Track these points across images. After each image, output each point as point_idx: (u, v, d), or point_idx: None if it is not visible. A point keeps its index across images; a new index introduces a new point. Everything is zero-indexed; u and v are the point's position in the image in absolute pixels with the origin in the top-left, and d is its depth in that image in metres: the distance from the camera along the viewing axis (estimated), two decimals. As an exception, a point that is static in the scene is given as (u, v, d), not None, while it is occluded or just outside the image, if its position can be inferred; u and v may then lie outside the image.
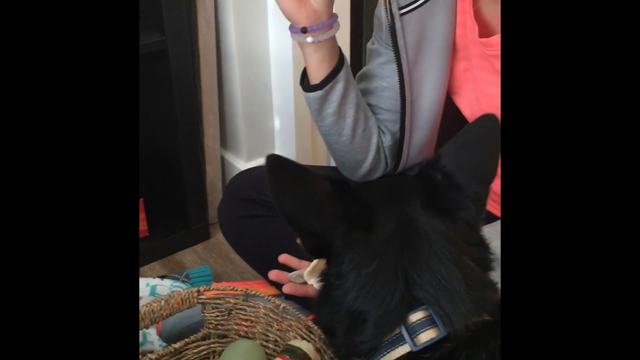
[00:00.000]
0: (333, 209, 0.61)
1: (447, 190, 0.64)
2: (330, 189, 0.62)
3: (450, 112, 1.15)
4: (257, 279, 1.33)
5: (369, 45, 1.12)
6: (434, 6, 0.99)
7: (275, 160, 0.59)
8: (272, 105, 1.59)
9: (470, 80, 1.06)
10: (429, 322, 0.59)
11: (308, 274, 0.93)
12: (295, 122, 1.55)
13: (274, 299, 1.03)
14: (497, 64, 0.95)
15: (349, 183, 0.65)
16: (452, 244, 0.61)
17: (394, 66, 1.04)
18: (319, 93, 1.02)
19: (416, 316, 0.59)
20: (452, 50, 1.04)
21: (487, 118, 0.66)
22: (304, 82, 1.05)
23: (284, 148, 1.62)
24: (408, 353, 0.58)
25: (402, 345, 0.59)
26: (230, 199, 1.20)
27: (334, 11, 0.97)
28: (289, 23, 0.98)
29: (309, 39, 0.95)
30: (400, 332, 0.59)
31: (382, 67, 1.08)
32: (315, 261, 0.92)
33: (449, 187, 0.64)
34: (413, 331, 0.59)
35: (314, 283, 0.91)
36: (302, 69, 1.05)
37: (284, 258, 0.97)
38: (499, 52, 0.93)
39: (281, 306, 1.02)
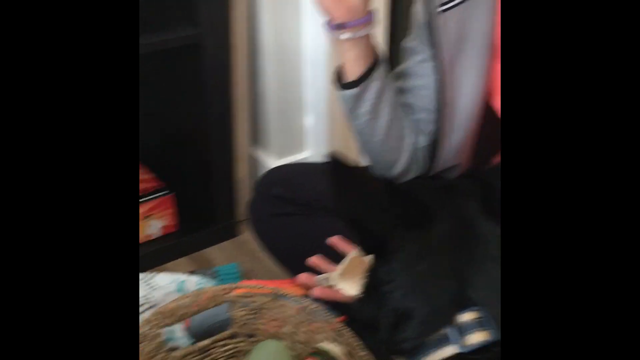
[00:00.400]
0: (392, 210, 0.61)
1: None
2: (387, 189, 0.62)
3: (488, 115, 1.12)
4: (286, 278, 1.31)
5: (405, 43, 1.09)
6: (475, 4, 0.96)
7: (336, 160, 0.58)
8: (304, 101, 1.56)
9: None
10: (480, 324, 0.57)
11: (338, 277, 0.91)
12: (328, 119, 1.53)
13: (303, 299, 1.01)
14: None
15: (402, 184, 0.65)
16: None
17: (431, 64, 1.01)
18: (354, 91, 1.00)
19: (467, 316, 0.57)
20: (492, 50, 1.01)
21: None
22: (339, 79, 1.03)
23: (316, 146, 1.60)
24: (455, 355, 0.57)
25: (448, 345, 0.57)
26: (261, 196, 1.18)
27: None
28: (323, 18, 0.95)
29: (345, 35, 0.93)
30: (447, 331, 0.57)
31: (419, 66, 1.05)
32: (344, 263, 0.91)
33: None
34: (462, 331, 0.57)
35: (344, 287, 0.89)
36: (335, 64, 1.02)
37: (313, 261, 0.95)
38: None
39: (310, 307, 1.00)
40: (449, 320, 0.57)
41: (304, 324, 1.00)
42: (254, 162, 1.65)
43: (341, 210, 0.60)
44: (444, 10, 0.96)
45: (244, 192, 1.60)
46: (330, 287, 0.93)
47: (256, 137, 1.65)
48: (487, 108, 1.09)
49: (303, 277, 0.94)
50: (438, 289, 0.58)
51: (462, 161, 1.19)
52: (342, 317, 1.03)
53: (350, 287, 0.88)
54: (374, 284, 0.64)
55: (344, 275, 0.90)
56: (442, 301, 0.58)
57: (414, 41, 1.05)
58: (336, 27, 0.93)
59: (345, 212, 0.61)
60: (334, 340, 0.97)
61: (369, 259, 0.87)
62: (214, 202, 1.53)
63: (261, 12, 1.44)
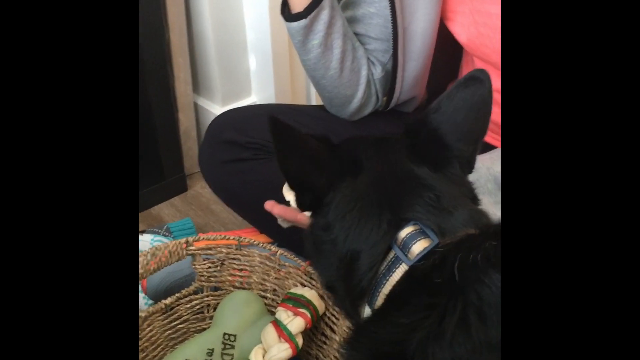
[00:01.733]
0: (332, 165, 0.62)
1: (433, 148, 0.64)
2: (326, 146, 0.63)
3: (443, 41, 1.08)
4: (245, 227, 1.25)
5: None
6: None
7: (278, 123, 0.58)
8: (247, 44, 1.48)
9: (466, 2, 0.98)
10: (420, 234, 0.57)
11: (286, 189, 0.87)
12: (273, 61, 1.45)
13: (269, 245, 0.96)
14: None
15: (333, 140, 0.66)
16: (439, 181, 0.61)
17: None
18: (302, 22, 0.94)
19: (405, 231, 0.57)
20: None
21: (479, 73, 0.63)
22: (285, 11, 0.96)
23: (262, 90, 1.53)
24: (408, 271, 0.56)
25: (399, 266, 0.57)
26: (212, 143, 1.10)
27: None
28: None
29: None
30: (395, 254, 0.57)
31: None
32: None
33: (435, 145, 0.64)
34: (405, 246, 0.57)
35: (292, 200, 0.85)
36: (276, 2, 0.96)
37: (270, 205, 0.90)
38: None
39: (278, 253, 0.95)
40: (391, 241, 0.57)
41: (273, 271, 0.95)
42: (198, 112, 1.55)
43: (285, 171, 0.61)
44: None
45: (189, 145, 1.52)
46: (290, 227, 0.89)
47: (198, 85, 1.55)
48: (442, 34, 1.05)
49: (270, 203, 0.89)
50: (373, 222, 0.58)
51: (419, 93, 1.15)
52: (309, 262, 0.99)
53: None
54: (315, 241, 0.63)
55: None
56: (381, 230, 0.58)
57: None
58: None
59: (289, 171, 0.61)
60: (306, 284, 0.93)
61: None
62: (159, 157, 1.45)
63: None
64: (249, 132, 1.09)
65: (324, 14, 0.94)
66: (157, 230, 1.28)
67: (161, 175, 1.47)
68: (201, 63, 1.50)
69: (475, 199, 0.64)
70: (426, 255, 0.55)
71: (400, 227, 0.57)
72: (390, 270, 0.57)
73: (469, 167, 0.66)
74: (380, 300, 0.57)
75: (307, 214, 0.84)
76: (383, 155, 0.63)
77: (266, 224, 1.11)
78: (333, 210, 0.60)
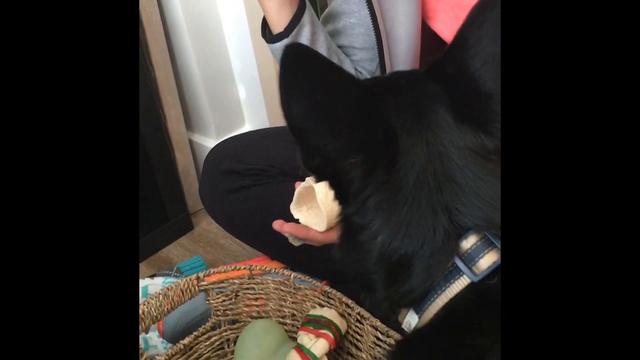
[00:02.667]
0: (354, 130, 0.50)
1: (477, 100, 0.54)
2: (357, 98, 0.50)
3: (428, 41, 1.06)
4: (256, 256, 1.23)
5: None
6: None
7: (295, 52, 0.46)
8: (234, 73, 1.47)
9: None
10: (486, 245, 0.50)
11: (294, 207, 0.85)
12: (262, 87, 1.44)
13: (282, 270, 0.93)
14: None
15: (374, 92, 0.53)
16: (494, 163, 0.52)
17: None
18: (284, 42, 0.92)
19: (469, 242, 0.50)
20: None
21: None
22: (266, 33, 0.95)
23: (254, 118, 1.51)
24: (469, 285, 0.49)
25: (459, 278, 0.50)
26: (211, 175, 1.09)
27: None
28: None
29: None
30: (454, 263, 0.50)
31: (347, 3, 0.98)
32: (298, 190, 0.84)
33: (478, 95, 0.54)
34: (470, 259, 0.50)
35: (307, 221, 0.82)
36: (258, 25, 0.95)
37: (279, 225, 0.87)
38: None
39: (292, 277, 0.92)
40: (453, 252, 0.50)
41: (289, 296, 0.92)
42: (194, 148, 1.54)
43: (286, 116, 0.49)
44: None
45: (189, 182, 1.50)
46: (301, 245, 0.87)
47: (190, 121, 1.54)
48: (425, 34, 1.04)
49: (278, 223, 0.86)
50: (428, 227, 0.50)
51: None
52: (325, 281, 0.96)
53: (314, 220, 0.82)
54: (348, 230, 0.55)
55: (299, 202, 0.84)
56: (438, 237, 0.50)
57: None
58: None
59: (291, 118, 0.49)
60: (324, 304, 0.90)
61: (320, 185, 0.80)
62: (160, 198, 1.42)
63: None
64: (246, 159, 1.07)
65: (305, 31, 0.93)
66: (167, 272, 1.25)
67: (165, 217, 1.45)
68: (190, 98, 1.49)
69: None
70: (496, 270, 0.49)
71: (461, 235, 0.51)
72: (447, 280, 0.50)
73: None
74: (431, 310, 0.51)
75: (319, 227, 0.81)
76: (426, 128, 0.52)
77: (276, 249, 1.08)
78: (371, 203, 0.52)
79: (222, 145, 1.12)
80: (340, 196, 0.55)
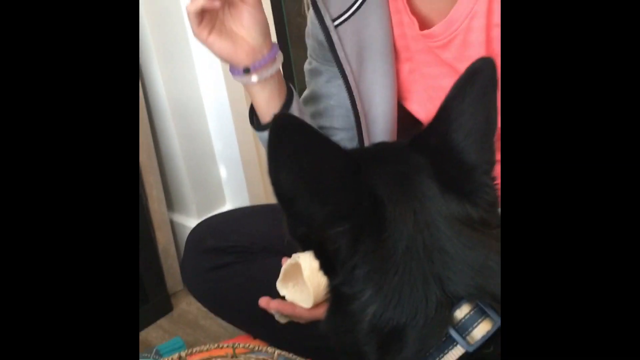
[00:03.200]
0: (340, 199, 0.51)
1: (461, 170, 0.56)
2: (343, 167, 0.52)
3: (404, 121, 1.11)
4: (237, 336, 1.21)
5: (306, 66, 1.06)
6: (367, 12, 0.94)
7: (284, 123, 0.48)
8: (215, 154, 1.49)
9: (418, 81, 1.02)
10: (479, 315, 0.50)
11: (280, 284, 0.85)
12: (243, 167, 1.46)
13: (266, 348, 0.92)
14: (443, 54, 0.92)
15: (360, 162, 0.55)
16: (480, 232, 0.54)
17: (340, 82, 0.98)
18: None
19: (462, 311, 0.50)
20: (395, 53, 1.00)
21: (480, 62, 0.56)
22: (254, 121, 0.97)
23: (235, 198, 1.53)
24: (463, 355, 0.50)
25: (453, 348, 0.50)
26: (194, 254, 1.09)
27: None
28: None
29: (254, 78, 0.87)
30: (448, 333, 0.50)
31: (326, 86, 1.03)
32: (285, 267, 0.84)
33: (461, 166, 0.56)
34: (464, 329, 0.50)
35: (294, 297, 0.82)
36: (240, 108, 0.97)
37: (265, 302, 0.87)
38: (443, 41, 0.90)
39: (275, 354, 0.91)
40: (447, 322, 0.50)
41: (274, 374, 0.91)
42: (174, 228, 1.54)
43: (274, 183, 0.50)
44: (338, 26, 0.94)
45: (169, 263, 1.49)
46: (287, 323, 0.87)
47: (171, 201, 1.55)
48: (402, 113, 1.08)
49: (264, 300, 0.85)
50: (419, 297, 0.50)
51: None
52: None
53: (300, 297, 0.83)
54: (338, 301, 0.55)
55: (285, 279, 0.85)
56: (431, 307, 0.50)
57: (314, 62, 1.02)
58: (241, 72, 0.86)
59: (279, 186, 0.50)
60: (311, 382, 0.88)
61: (306, 261, 0.80)
62: (140, 278, 1.41)
63: (151, 68, 1.37)
64: (229, 236, 1.08)
65: None
66: (146, 355, 1.22)
67: (145, 298, 1.43)
68: (172, 179, 1.51)
69: None
70: (490, 339, 0.50)
71: (454, 305, 0.51)
72: (441, 350, 0.50)
73: (498, 184, 0.58)
74: None
75: (305, 303, 0.81)
76: (412, 197, 0.54)
77: (260, 327, 1.07)
78: (360, 274, 0.52)
79: (204, 223, 1.13)
80: (327, 266, 0.56)
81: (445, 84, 0.96)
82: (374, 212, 0.53)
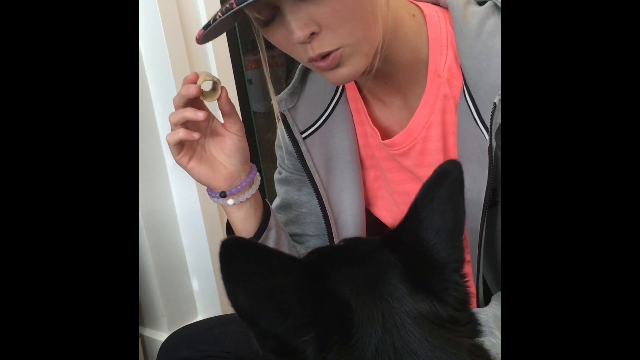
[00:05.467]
0: (301, 310, 0.52)
1: (431, 269, 0.57)
2: (300, 278, 0.53)
3: (373, 228, 1.14)
4: None
5: (276, 175, 1.10)
6: (332, 124, 1.00)
7: (231, 246, 0.50)
8: (187, 265, 1.50)
9: (383, 187, 1.07)
10: None
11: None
12: (216, 279, 1.47)
13: None
14: (404, 162, 0.98)
15: (326, 270, 0.56)
16: (449, 331, 0.55)
17: (310, 190, 1.03)
18: None
19: None
20: (360, 161, 1.05)
21: (447, 165, 0.59)
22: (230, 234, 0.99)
23: (207, 309, 1.52)
24: None
25: None
26: (166, 366, 1.06)
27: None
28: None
29: (230, 202, 0.90)
30: None
31: (297, 194, 1.06)
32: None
33: (432, 264, 0.58)
34: None
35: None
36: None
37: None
38: (403, 149, 0.96)
39: None
40: None
41: None
42: (145, 343, 1.51)
43: (233, 305, 0.51)
44: (306, 138, 0.99)
45: (139, 380, 1.45)
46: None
47: (142, 314, 1.53)
48: (369, 218, 1.12)
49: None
50: None
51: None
52: None
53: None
54: None
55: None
56: None
57: (284, 172, 1.06)
58: (218, 195, 0.89)
59: (238, 307, 0.51)
60: None
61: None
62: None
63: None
64: (202, 346, 1.06)
65: (272, 234, 0.96)
66: None
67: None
68: (143, 293, 1.50)
69: (479, 335, 0.58)
70: None
71: None
72: None
73: (462, 265, 0.60)
74: None
75: None
76: (377, 298, 0.54)
77: None
78: None
79: (176, 334, 1.12)
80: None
81: (408, 188, 1.02)
82: (341, 317, 0.53)
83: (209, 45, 1.35)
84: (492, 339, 0.80)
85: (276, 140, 1.07)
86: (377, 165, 1.04)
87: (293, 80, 1.00)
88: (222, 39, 1.43)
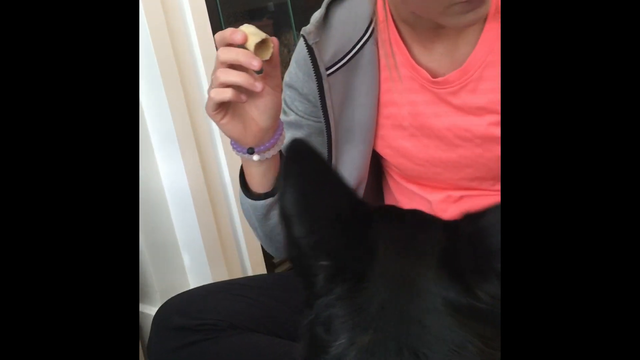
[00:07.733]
0: (331, 234, 0.53)
1: (472, 267, 0.53)
2: (345, 208, 0.54)
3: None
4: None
5: (282, 118, 1.01)
6: (357, 64, 0.97)
7: (299, 147, 0.53)
8: (178, 241, 1.53)
9: (398, 126, 1.03)
10: None
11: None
12: (206, 253, 1.50)
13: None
14: (455, 100, 0.95)
15: (375, 218, 0.56)
16: (464, 317, 0.52)
17: (318, 139, 1.00)
18: (268, 201, 0.95)
19: None
20: (377, 107, 1.00)
21: None
22: (246, 188, 0.97)
23: (198, 283, 1.54)
24: None
25: None
26: (161, 333, 1.09)
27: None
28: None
29: (255, 157, 0.89)
30: None
31: (308, 140, 1.03)
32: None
33: (476, 265, 0.53)
34: None
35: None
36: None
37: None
38: (454, 88, 0.94)
39: None
40: None
41: None
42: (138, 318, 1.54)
43: (289, 196, 0.52)
44: (331, 74, 0.96)
45: (134, 355, 1.48)
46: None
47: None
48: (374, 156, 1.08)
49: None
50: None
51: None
52: None
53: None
54: (312, 342, 0.52)
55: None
56: None
57: (292, 114, 1.02)
58: (245, 150, 0.89)
59: (293, 202, 0.52)
60: None
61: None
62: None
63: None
64: (195, 314, 1.08)
65: None
66: None
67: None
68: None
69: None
70: None
71: None
72: None
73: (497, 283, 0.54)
74: None
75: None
76: (407, 264, 0.53)
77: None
78: (336, 317, 0.51)
79: (170, 302, 1.14)
80: (308, 298, 0.55)
81: (447, 122, 0.96)
82: (363, 262, 0.53)
83: (190, 19, 1.35)
84: None
85: (286, 78, 1.02)
86: (397, 113, 1.00)
87: (318, 17, 0.96)
88: (203, 10, 1.43)
